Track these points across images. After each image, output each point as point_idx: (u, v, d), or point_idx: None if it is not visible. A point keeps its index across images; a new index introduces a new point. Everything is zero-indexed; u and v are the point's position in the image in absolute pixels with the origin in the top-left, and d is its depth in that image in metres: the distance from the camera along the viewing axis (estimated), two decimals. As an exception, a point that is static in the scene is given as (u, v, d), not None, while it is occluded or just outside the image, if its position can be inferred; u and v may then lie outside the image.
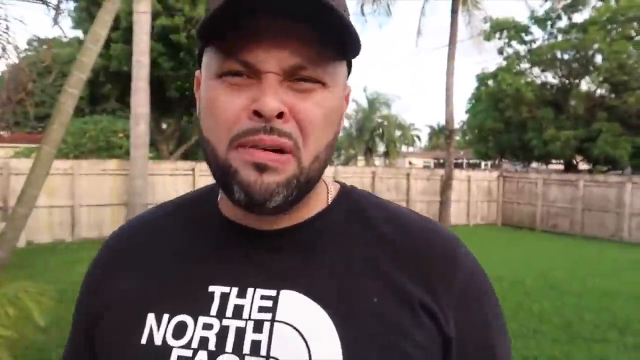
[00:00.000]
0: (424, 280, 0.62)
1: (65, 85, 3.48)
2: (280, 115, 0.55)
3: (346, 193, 0.71)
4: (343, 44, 0.58)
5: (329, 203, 0.68)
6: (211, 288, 0.62)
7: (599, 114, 16.88)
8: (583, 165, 19.94)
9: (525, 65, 19.45)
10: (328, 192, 0.69)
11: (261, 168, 0.56)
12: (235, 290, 0.61)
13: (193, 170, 11.83)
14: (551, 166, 21.76)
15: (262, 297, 0.60)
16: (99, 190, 10.77)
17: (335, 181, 0.73)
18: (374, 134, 32.66)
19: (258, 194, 0.56)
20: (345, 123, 32.44)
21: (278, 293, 0.60)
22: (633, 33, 16.92)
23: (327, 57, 0.58)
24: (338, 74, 0.61)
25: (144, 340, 0.61)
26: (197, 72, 0.67)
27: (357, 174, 14.18)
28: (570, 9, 18.14)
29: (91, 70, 3.72)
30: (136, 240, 0.71)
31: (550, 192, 14.73)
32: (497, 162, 24.53)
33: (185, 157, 17.94)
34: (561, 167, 20.14)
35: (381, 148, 33.99)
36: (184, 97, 16.28)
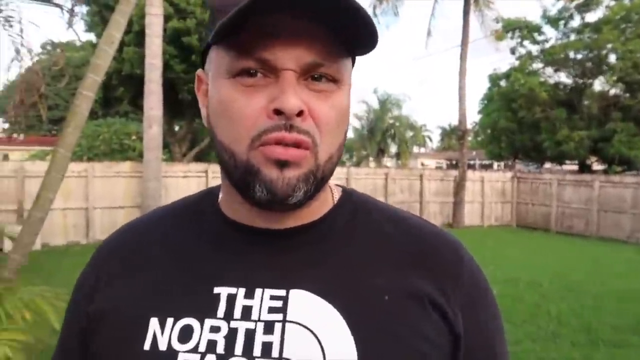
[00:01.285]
0: (433, 279, 0.62)
1: (80, 88, 3.47)
2: (300, 113, 0.55)
3: (348, 195, 0.71)
4: (359, 40, 0.57)
5: (335, 204, 0.68)
6: (217, 289, 0.60)
7: (613, 113, 16.69)
8: (598, 166, 19.72)
9: (538, 65, 19.30)
10: (332, 194, 0.69)
11: (282, 164, 0.56)
12: (242, 291, 0.60)
13: (206, 172, 11.86)
14: (565, 167, 21.54)
15: (272, 297, 0.59)
16: (112, 192, 10.83)
17: (336, 185, 0.73)
18: (386, 135, 32.59)
19: (281, 190, 0.56)
20: (357, 124, 32.45)
21: (288, 293, 0.59)
22: (648, 31, 16.70)
23: (341, 53, 0.58)
24: (348, 71, 0.61)
25: (147, 347, 0.58)
26: (199, 72, 0.66)
27: (370, 175, 14.12)
28: (583, 8, 17.96)
29: (104, 73, 3.72)
30: (133, 243, 0.70)
31: (565, 193, 14.57)
32: (510, 162, 24.34)
33: (198, 159, 18.00)
34: (575, 167, 19.93)
35: (393, 149, 33.89)
36: (196, 99, 16.31)
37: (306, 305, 0.59)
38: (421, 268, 0.63)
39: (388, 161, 34.17)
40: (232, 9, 0.52)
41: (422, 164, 36.57)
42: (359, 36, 0.56)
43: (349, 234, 0.65)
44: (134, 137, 15.27)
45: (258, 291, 0.60)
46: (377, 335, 0.58)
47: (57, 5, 4.13)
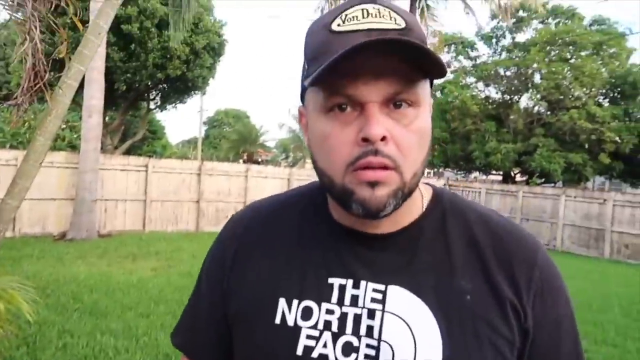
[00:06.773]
0: (511, 279, 0.72)
1: (65, 77, 3.32)
2: (383, 138, 0.65)
3: (438, 196, 0.81)
4: (428, 70, 0.67)
5: (425, 208, 0.78)
6: (330, 280, 0.74)
7: (536, 129, 17.94)
8: (520, 177, 21.06)
9: (470, 79, 20.34)
10: (422, 197, 0.79)
11: (373, 185, 0.66)
12: (350, 282, 0.73)
13: (146, 166, 11.43)
14: (491, 177, 22.81)
15: (374, 290, 0.72)
16: (44, 184, 10.09)
17: (426, 183, 0.82)
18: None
19: (374, 207, 0.67)
20: (296, 126, 32.45)
21: (386, 288, 0.71)
22: (569, 55, 18.12)
23: (416, 80, 0.67)
24: (425, 91, 0.71)
25: (277, 321, 0.73)
26: (299, 107, 0.79)
27: (310, 177, 14.13)
28: (514, 28, 19.19)
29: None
30: (261, 226, 0.83)
31: (492, 201, 15.46)
32: (439, 170, 25.40)
33: (129, 152, 17.32)
34: (500, 177, 21.17)
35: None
36: (132, 90, 15.71)
37: (402, 300, 0.70)
38: (503, 269, 0.72)
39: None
40: (322, 57, 0.65)
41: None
42: (427, 65, 0.66)
43: (439, 236, 0.75)
44: (63, 126, 14.45)
45: (363, 283, 0.72)
46: (461, 331, 0.68)
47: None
